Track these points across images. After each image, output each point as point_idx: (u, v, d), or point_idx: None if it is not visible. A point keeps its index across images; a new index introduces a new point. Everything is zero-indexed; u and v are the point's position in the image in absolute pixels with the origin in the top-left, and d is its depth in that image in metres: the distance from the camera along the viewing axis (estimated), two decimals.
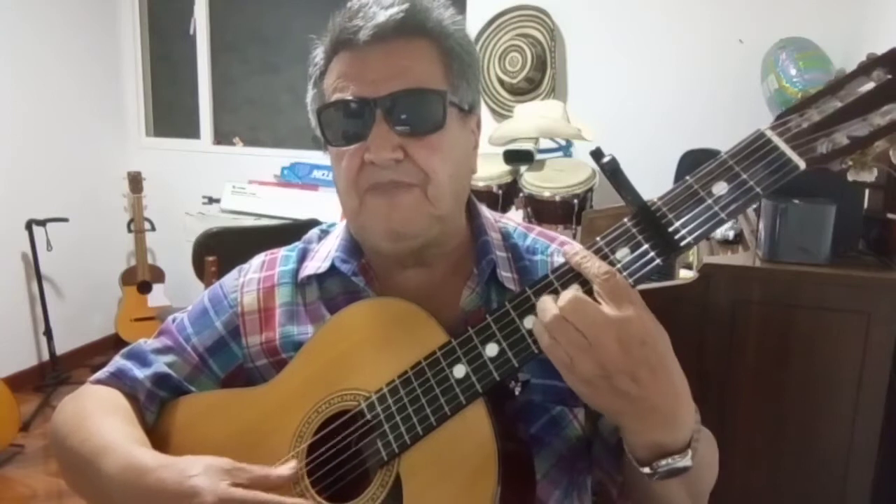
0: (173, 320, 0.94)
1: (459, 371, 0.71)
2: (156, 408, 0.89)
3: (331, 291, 0.87)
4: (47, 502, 2.67)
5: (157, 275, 3.77)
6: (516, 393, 0.75)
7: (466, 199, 0.87)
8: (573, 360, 0.62)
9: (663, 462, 0.66)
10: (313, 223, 2.63)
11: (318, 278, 0.88)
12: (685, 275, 1.84)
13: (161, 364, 0.89)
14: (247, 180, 3.55)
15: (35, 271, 3.43)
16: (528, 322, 0.68)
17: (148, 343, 0.93)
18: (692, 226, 0.65)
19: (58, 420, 0.87)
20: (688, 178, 0.67)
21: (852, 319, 1.62)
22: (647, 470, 0.67)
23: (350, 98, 0.76)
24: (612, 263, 0.66)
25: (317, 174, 3.61)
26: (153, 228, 3.72)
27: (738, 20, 2.89)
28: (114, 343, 3.74)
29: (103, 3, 3.84)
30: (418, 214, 0.77)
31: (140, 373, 0.89)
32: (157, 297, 3.70)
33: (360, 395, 0.76)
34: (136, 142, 4.05)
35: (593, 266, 0.64)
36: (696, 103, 2.94)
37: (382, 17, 0.75)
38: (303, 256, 0.92)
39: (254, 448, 0.80)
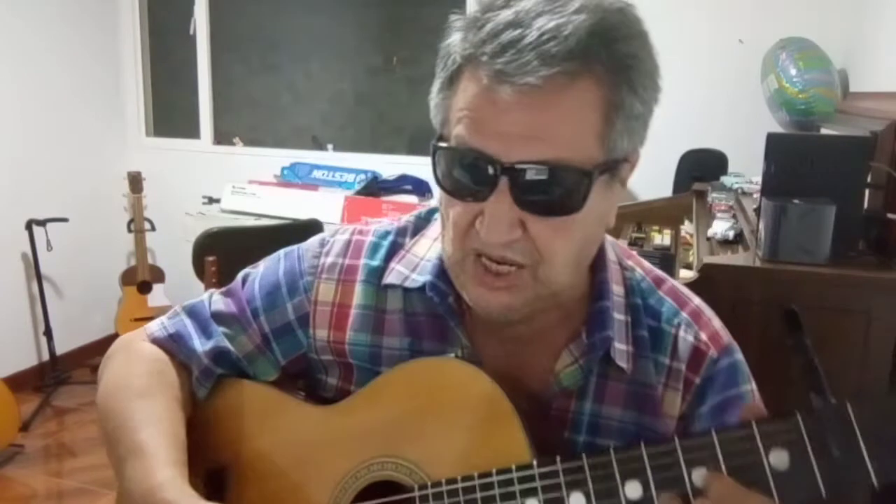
0: (244, 280, 0.86)
1: None
2: (210, 383, 0.83)
3: (414, 307, 0.78)
4: (47, 502, 2.67)
5: (157, 275, 3.76)
6: None
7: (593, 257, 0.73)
8: None
9: None
10: (313, 223, 2.64)
11: (404, 288, 0.78)
12: (685, 275, 1.83)
13: (221, 337, 0.83)
14: (247, 180, 3.55)
15: (35, 271, 3.42)
16: (632, 490, 0.57)
17: (213, 301, 0.86)
18: (887, 463, 0.50)
19: (102, 380, 0.84)
20: None
21: (852, 319, 1.62)
22: None
23: (474, 149, 0.61)
24: (758, 464, 0.55)
25: (317, 174, 3.61)
26: (153, 228, 3.72)
27: (738, 20, 2.89)
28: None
29: (103, 3, 3.84)
30: (521, 295, 0.66)
31: (199, 344, 0.83)
32: (157, 297, 3.70)
33: (417, 474, 0.69)
34: (136, 142, 4.05)
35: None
36: (696, 103, 2.94)
37: (536, 78, 0.57)
38: (392, 253, 0.81)
39: (298, 474, 0.77)
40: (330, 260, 0.82)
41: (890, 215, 1.74)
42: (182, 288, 3.51)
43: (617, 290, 0.75)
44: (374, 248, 0.82)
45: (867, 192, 1.77)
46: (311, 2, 4.02)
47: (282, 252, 0.86)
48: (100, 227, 3.85)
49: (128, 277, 3.73)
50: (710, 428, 0.57)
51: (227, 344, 0.83)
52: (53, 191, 3.57)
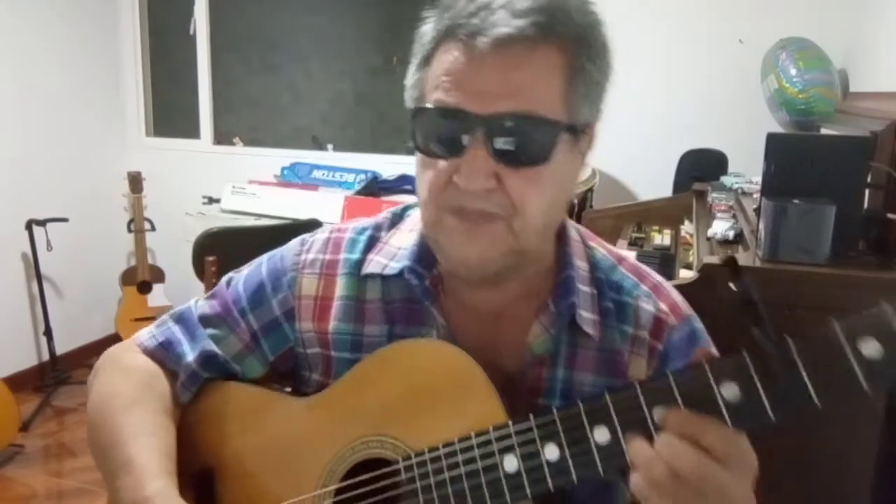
0: (227, 283, 0.89)
1: (511, 464, 0.64)
2: (195, 388, 0.85)
3: (392, 294, 0.81)
4: (47, 502, 2.67)
5: (157, 275, 3.76)
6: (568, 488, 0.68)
7: (558, 225, 0.79)
8: None
9: None
10: (313, 223, 2.64)
11: (382, 276, 0.82)
12: (685, 275, 1.83)
13: (208, 341, 0.85)
14: (247, 180, 3.55)
15: (35, 271, 3.42)
16: (600, 434, 0.61)
17: (198, 306, 0.88)
18: (824, 386, 0.55)
19: (92, 393, 0.85)
20: (835, 322, 0.56)
21: None
22: None
23: (452, 107, 0.67)
24: (711, 398, 0.58)
25: (317, 174, 3.61)
26: (153, 228, 3.72)
27: (738, 20, 2.89)
28: (114, 343, 3.71)
29: (103, 3, 3.84)
30: (497, 247, 0.70)
31: (188, 349, 0.85)
32: (157, 297, 3.70)
33: (400, 448, 0.72)
34: (136, 142, 4.05)
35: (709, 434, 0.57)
36: (696, 103, 2.94)
37: (508, 28, 0.64)
38: (370, 246, 0.84)
39: (284, 466, 0.79)
40: (311, 256, 0.86)
41: (890, 215, 1.74)
42: (182, 288, 3.51)
43: (581, 264, 0.79)
44: (353, 243, 0.85)
45: (867, 192, 1.77)
46: (311, 2, 4.03)
47: (264, 256, 0.90)
48: (100, 227, 3.85)
49: (128, 277, 3.73)
50: (667, 371, 0.61)
51: (214, 347, 0.85)
52: (53, 191, 3.57)
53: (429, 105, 0.69)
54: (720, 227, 1.99)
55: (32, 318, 3.56)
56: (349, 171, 3.56)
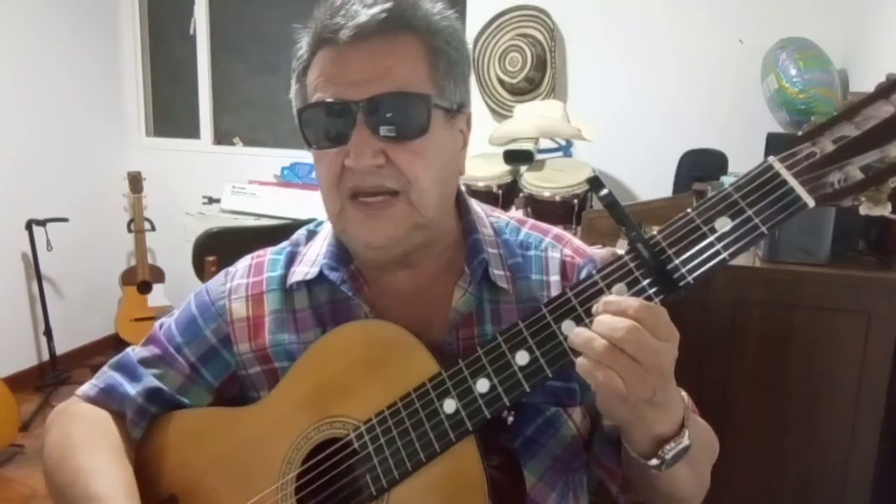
0: (160, 326, 0.93)
1: (449, 406, 0.69)
2: (145, 423, 0.88)
3: (318, 299, 0.85)
4: (47, 502, 2.66)
5: (157, 275, 3.76)
6: (509, 422, 0.73)
7: (454, 198, 0.84)
8: (630, 386, 0.60)
9: (668, 448, 0.67)
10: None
11: (307, 284, 0.85)
12: None
13: (151, 378, 0.88)
14: (247, 180, 3.55)
15: (35, 271, 3.42)
16: (520, 357, 0.66)
17: (136, 352, 0.92)
18: (692, 264, 0.63)
19: (46, 445, 0.87)
20: (689, 210, 0.64)
21: (852, 319, 1.62)
22: (654, 462, 0.67)
23: (330, 100, 0.73)
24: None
25: None
26: (153, 228, 3.72)
27: (738, 20, 2.89)
28: (114, 343, 3.73)
29: (103, 3, 3.84)
30: (401, 224, 0.75)
31: (131, 388, 0.88)
32: (157, 297, 3.70)
33: (350, 424, 0.75)
34: (136, 142, 4.05)
35: (630, 305, 0.61)
36: (696, 103, 2.94)
37: (364, 16, 0.72)
38: (290, 261, 0.89)
39: (243, 472, 0.80)
40: (236, 282, 0.90)
41: (890, 215, 1.74)
42: (182, 288, 3.51)
43: (486, 230, 0.85)
44: (274, 262, 0.90)
45: None
46: (311, 2, 4.02)
47: (191, 295, 0.94)
48: (100, 227, 3.85)
49: (128, 277, 3.73)
50: (564, 289, 0.67)
51: (157, 383, 0.88)
52: (53, 191, 3.57)
53: (311, 100, 0.76)
54: None
55: (32, 318, 3.56)
56: None
